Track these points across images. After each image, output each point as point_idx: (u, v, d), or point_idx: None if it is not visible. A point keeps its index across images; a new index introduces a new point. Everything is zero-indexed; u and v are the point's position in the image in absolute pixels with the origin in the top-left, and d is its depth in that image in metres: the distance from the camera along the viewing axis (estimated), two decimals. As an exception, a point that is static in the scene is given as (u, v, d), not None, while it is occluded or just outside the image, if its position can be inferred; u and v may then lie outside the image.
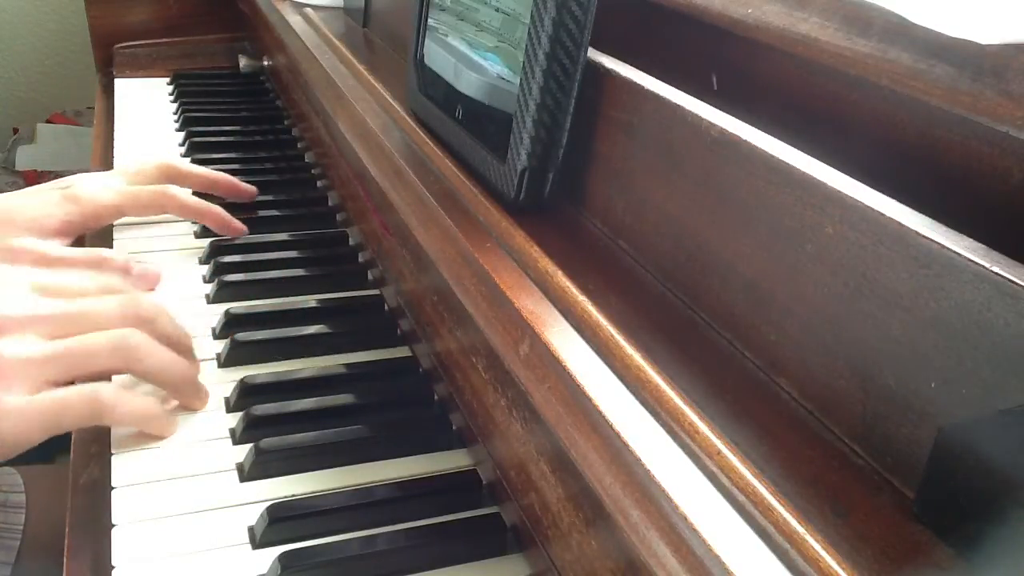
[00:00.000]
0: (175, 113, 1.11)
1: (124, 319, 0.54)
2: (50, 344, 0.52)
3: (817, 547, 0.27)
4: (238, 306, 0.67)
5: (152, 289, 0.69)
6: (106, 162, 0.97)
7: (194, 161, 0.95)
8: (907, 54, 0.33)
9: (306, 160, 0.98)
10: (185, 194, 0.77)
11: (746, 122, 0.39)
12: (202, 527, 0.48)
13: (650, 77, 0.45)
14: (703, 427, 0.32)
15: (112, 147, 1.00)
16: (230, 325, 0.65)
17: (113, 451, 0.53)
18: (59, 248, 0.65)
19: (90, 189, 0.72)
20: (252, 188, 0.83)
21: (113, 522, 0.48)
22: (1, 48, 2.07)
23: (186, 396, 0.56)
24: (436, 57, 0.61)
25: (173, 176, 0.79)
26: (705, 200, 0.40)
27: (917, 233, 0.30)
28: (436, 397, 0.59)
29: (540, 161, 0.48)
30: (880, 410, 0.31)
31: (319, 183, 0.92)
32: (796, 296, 0.35)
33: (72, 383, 0.52)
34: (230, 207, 0.80)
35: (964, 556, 0.27)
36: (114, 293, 0.57)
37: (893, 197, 0.32)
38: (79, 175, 0.75)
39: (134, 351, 0.53)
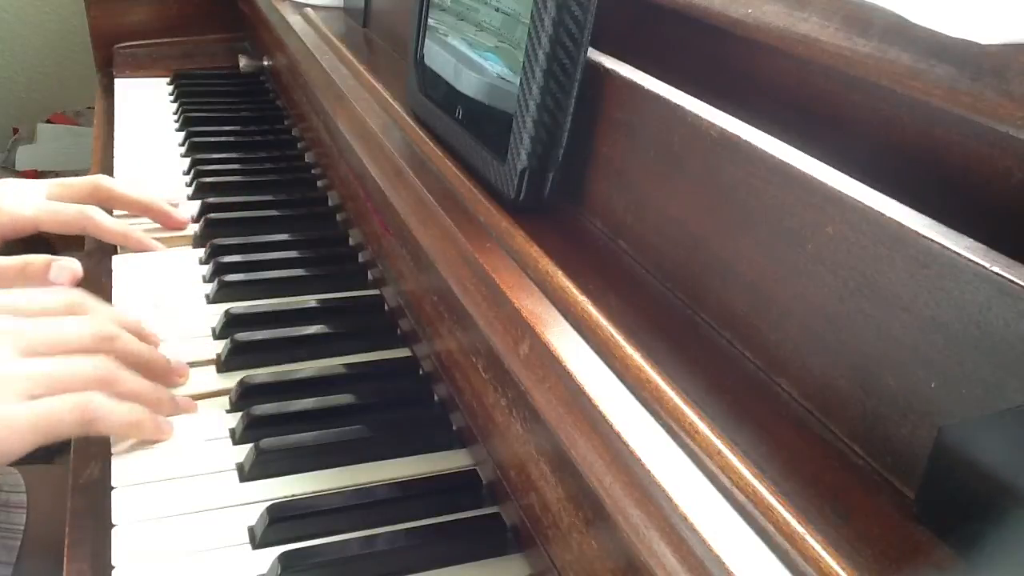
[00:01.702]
0: (175, 113, 1.11)
1: (94, 341, 0.54)
2: (35, 360, 0.51)
3: (817, 547, 0.27)
4: (238, 306, 0.67)
5: (73, 282, 0.66)
6: (106, 162, 0.97)
7: (194, 161, 0.95)
8: (907, 54, 0.33)
9: (306, 160, 0.98)
10: (106, 218, 0.75)
11: (746, 122, 0.39)
12: (202, 527, 0.48)
13: (650, 77, 0.45)
14: (703, 427, 0.32)
15: (112, 147, 1.00)
16: (230, 325, 0.65)
17: (113, 451, 0.53)
18: None
19: (9, 201, 0.71)
20: (185, 219, 0.82)
21: (113, 522, 0.48)
22: (1, 48, 2.07)
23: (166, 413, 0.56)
24: (436, 57, 0.61)
25: (104, 197, 0.78)
26: (705, 200, 0.40)
27: (917, 233, 0.30)
28: (436, 397, 0.59)
29: (540, 161, 0.48)
30: (880, 410, 0.31)
31: (319, 183, 0.92)
32: (796, 296, 0.35)
33: None
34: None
35: (964, 556, 0.27)
36: (78, 311, 0.57)
37: (893, 197, 0.32)
38: (7, 181, 0.74)
39: (114, 377, 0.53)
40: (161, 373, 0.59)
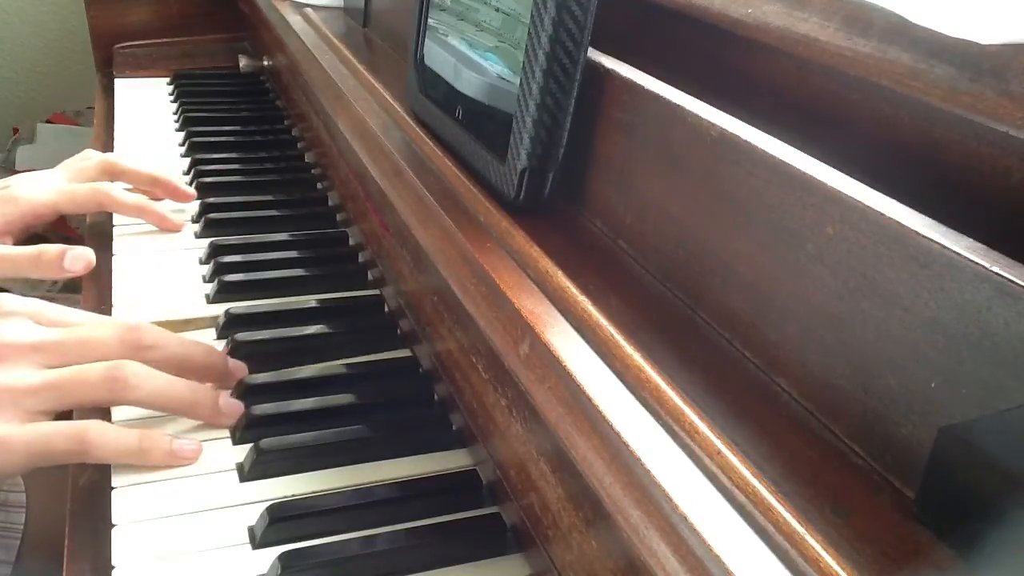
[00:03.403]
0: (175, 113, 1.11)
1: (123, 348, 0.53)
2: (43, 373, 0.51)
3: (817, 547, 0.27)
4: (238, 306, 0.67)
5: (87, 270, 0.68)
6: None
7: (194, 161, 0.95)
8: (907, 54, 0.33)
9: (306, 160, 0.98)
10: (121, 192, 0.77)
11: (746, 122, 0.39)
12: (202, 527, 0.48)
13: (650, 77, 0.45)
14: (703, 427, 0.32)
15: (112, 147, 1.00)
16: (230, 325, 0.65)
17: (113, 451, 0.53)
18: None
19: (27, 189, 0.73)
20: (191, 192, 0.84)
21: (113, 522, 0.48)
22: (1, 48, 2.07)
23: (201, 416, 0.55)
24: (436, 57, 0.61)
25: (114, 173, 0.80)
26: (705, 200, 0.40)
27: (917, 233, 0.30)
28: (436, 397, 0.59)
29: (540, 161, 0.48)
30: (880, 410, 0.31)
31: (319, 183, 0.92)
32: (796, 296, 0.35)
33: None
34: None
35: (964, 556, 0.27)
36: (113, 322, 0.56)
37: (893, 197, 0.32)
38: (19, 175, 0.76)
39: (124, 382, 0.51)
40: (205, 372, 0.57)
